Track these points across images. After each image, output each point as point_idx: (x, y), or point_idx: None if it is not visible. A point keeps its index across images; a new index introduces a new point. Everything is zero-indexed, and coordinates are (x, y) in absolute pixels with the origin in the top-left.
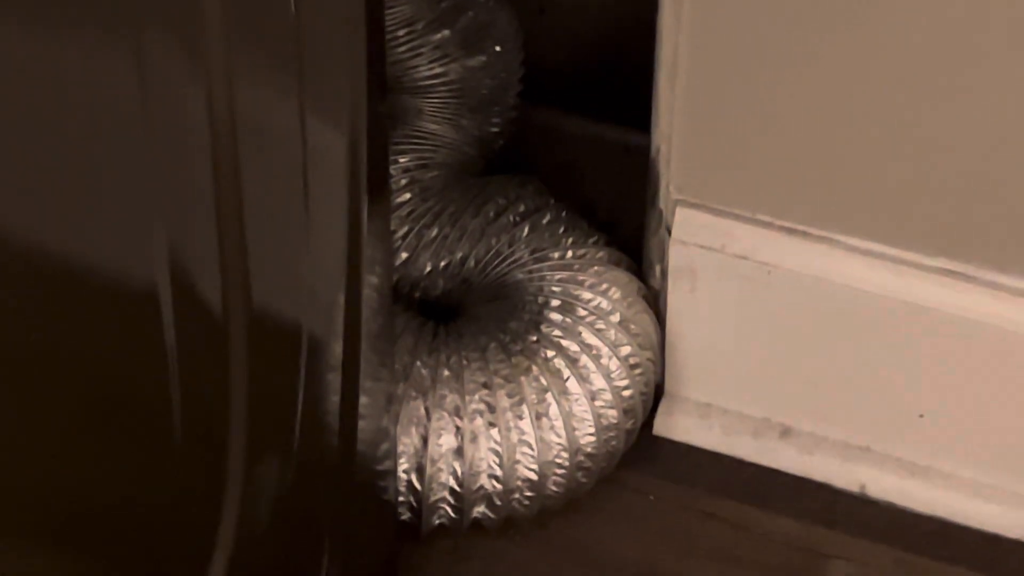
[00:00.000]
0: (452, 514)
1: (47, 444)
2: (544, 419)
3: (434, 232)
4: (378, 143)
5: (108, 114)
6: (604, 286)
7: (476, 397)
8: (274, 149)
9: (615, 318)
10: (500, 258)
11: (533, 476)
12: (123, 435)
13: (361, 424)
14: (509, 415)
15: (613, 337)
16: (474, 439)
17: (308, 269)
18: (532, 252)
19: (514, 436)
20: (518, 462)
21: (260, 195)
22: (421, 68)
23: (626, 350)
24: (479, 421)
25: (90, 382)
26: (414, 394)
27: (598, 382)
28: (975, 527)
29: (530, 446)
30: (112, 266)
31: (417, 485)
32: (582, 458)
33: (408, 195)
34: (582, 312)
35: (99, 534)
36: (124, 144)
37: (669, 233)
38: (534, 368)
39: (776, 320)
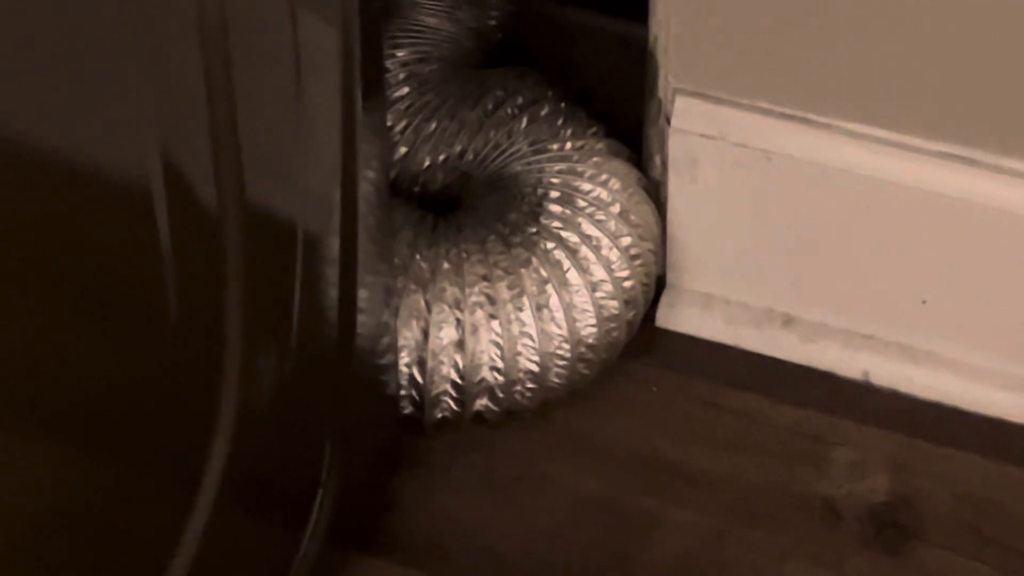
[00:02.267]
0: (454, 407)
1: (44, 338)
2: (545, 310)
3: (433, 126)
4: (372, 37)
5: (96, 12)
6: (604, 177)
7: (476, 289)
8: (265, 44)
9: (615, 209)
10: (499, 151)
11: (534, 368)
12: (120, 329)
13: (360, 318)
14: (509, 307)
15: (613, 228)
16: (475, 331)
17: (303, 164)
18: (531, 144)
19: (515, 328)
20: (519, 354)
21: (252, 91)
22: None
23: (626, 241)
24: (479, 313)
25: (86, 278)
26: (414, 287)
27: (598, 273)
28: (979, 412)
29: (531, 338)
30: (104, 164)
31: (419, 379)
32: (583, 349)
33: (406, 89)
34: (581, 203)
35: (98, 426)
36: (113, 42)
37: (668, 123)
38: (534, 259)
39: (777, 208)
